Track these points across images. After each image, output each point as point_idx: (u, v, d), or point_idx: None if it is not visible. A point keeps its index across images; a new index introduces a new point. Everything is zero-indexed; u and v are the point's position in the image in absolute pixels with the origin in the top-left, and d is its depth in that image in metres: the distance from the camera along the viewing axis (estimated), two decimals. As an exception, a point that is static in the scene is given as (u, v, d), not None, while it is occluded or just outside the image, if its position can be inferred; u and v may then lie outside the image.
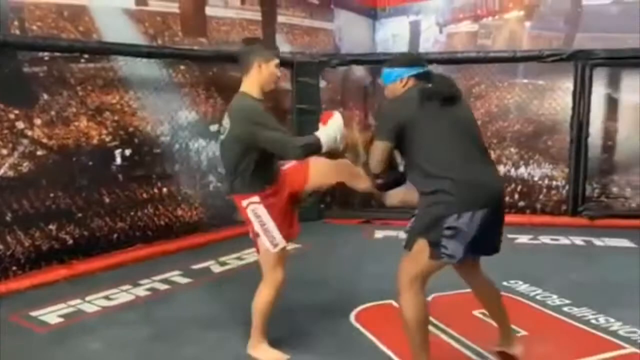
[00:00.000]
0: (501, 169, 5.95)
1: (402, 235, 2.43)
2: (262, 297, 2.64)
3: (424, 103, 2.31)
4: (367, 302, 3.41)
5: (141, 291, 3.73)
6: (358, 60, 6.15)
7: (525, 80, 6.07)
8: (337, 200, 6.23)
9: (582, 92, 5.53)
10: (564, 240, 4.97)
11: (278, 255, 2.60)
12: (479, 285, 2.59)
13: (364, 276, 4.02)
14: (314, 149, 2.46)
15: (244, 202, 2.56)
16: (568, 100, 5.69)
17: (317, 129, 2.50)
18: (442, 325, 3.02)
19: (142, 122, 4.75)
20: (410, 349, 2.38)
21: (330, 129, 2.46)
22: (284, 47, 5.91)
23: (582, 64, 5.48)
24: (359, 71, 6.56)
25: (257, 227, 2.56)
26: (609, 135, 5.89)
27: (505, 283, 3.66)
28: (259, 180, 2.54)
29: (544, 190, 6.08)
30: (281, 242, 2.58)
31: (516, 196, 6.10)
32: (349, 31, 6.78)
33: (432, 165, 2.26)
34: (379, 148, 2.35)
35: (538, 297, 3.49)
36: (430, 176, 2.26)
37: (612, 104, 5.85)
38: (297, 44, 6.12)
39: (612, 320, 3.11)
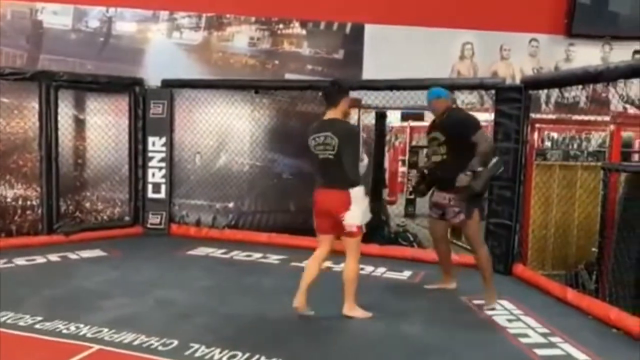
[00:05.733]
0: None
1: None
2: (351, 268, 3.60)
3: None
4: None
5: None
6: None
7: (-12, 98, 5.71)
8: None
9: (49, 112, 5.65)
10: (40, 259, 4.96)
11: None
12: (444, 240, 4.27)
13: None
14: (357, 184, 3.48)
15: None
16: (36, 119, 5.70)
17: None
18: None
19: None
20: (488, 276, 3.87)
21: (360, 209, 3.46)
22: None
23: (46, 84, 5.59)
24: None
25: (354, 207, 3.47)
26: (79, 154, 6.24)
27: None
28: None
29: (19, 211, 5.90)
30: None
31: (-12, 220, 5.67)
32: None
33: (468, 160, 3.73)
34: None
35: (10, 321, 3.38)
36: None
37: (79, 125, 6.21)
38: None
39: (82, 325, 3.34)
